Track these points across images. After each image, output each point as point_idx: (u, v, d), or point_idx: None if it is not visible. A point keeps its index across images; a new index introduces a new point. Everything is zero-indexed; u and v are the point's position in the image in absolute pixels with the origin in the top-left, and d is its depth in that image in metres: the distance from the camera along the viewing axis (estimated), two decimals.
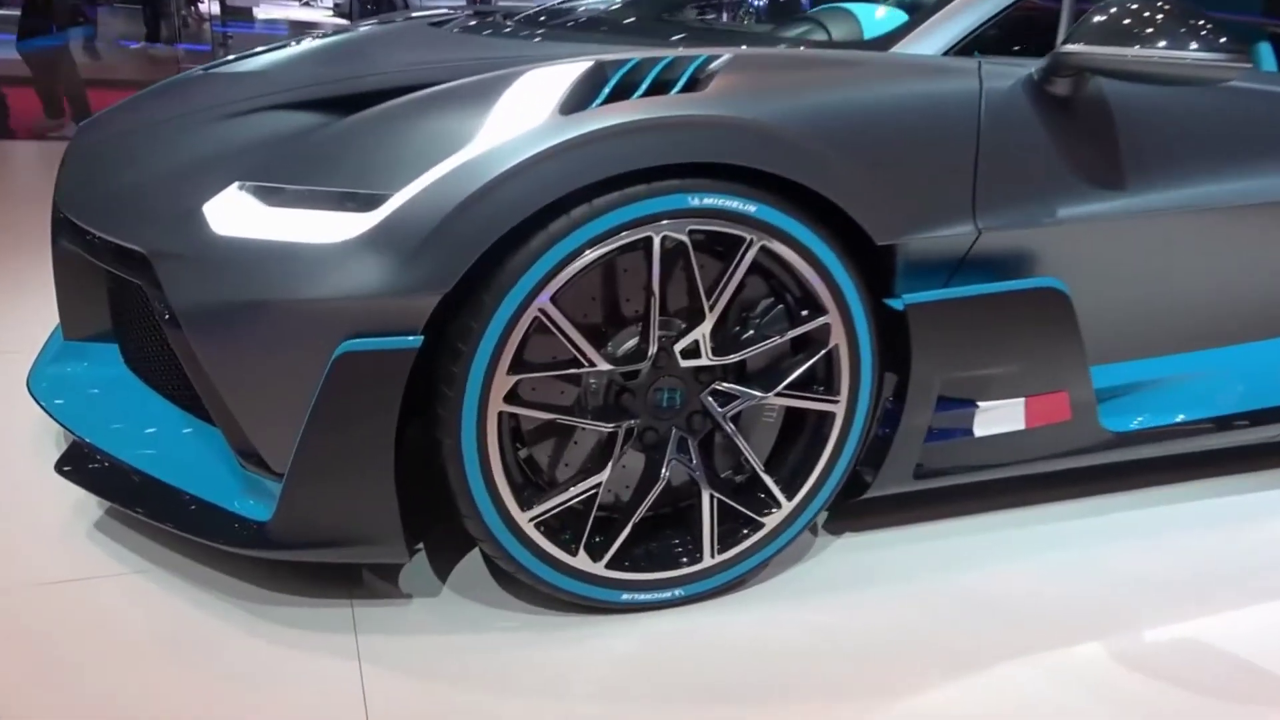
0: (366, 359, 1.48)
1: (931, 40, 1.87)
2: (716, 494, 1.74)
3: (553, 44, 2.08)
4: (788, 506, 1.80)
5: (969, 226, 1.76)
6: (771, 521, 1.80)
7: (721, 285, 1.63)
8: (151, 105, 2.17)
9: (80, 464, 1.87)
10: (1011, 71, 1.82)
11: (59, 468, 1.87)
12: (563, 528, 1.69)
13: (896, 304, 1.75)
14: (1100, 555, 2.06)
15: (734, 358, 1.69)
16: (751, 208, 1.59)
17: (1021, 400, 1.97)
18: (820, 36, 2.19)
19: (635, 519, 1.70)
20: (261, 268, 1.51)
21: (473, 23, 2.36)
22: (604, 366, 1.61)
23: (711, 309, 1.63)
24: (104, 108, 2.34)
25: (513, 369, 1.55)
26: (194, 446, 1.80)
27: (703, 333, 1.65)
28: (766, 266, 1.67)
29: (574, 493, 1.66)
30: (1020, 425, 1.99)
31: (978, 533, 2.12)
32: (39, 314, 2.81)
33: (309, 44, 2.30)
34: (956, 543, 2.07)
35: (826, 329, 1.72)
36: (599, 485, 1.66)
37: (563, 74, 1.56)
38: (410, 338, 1.48)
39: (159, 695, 1.48)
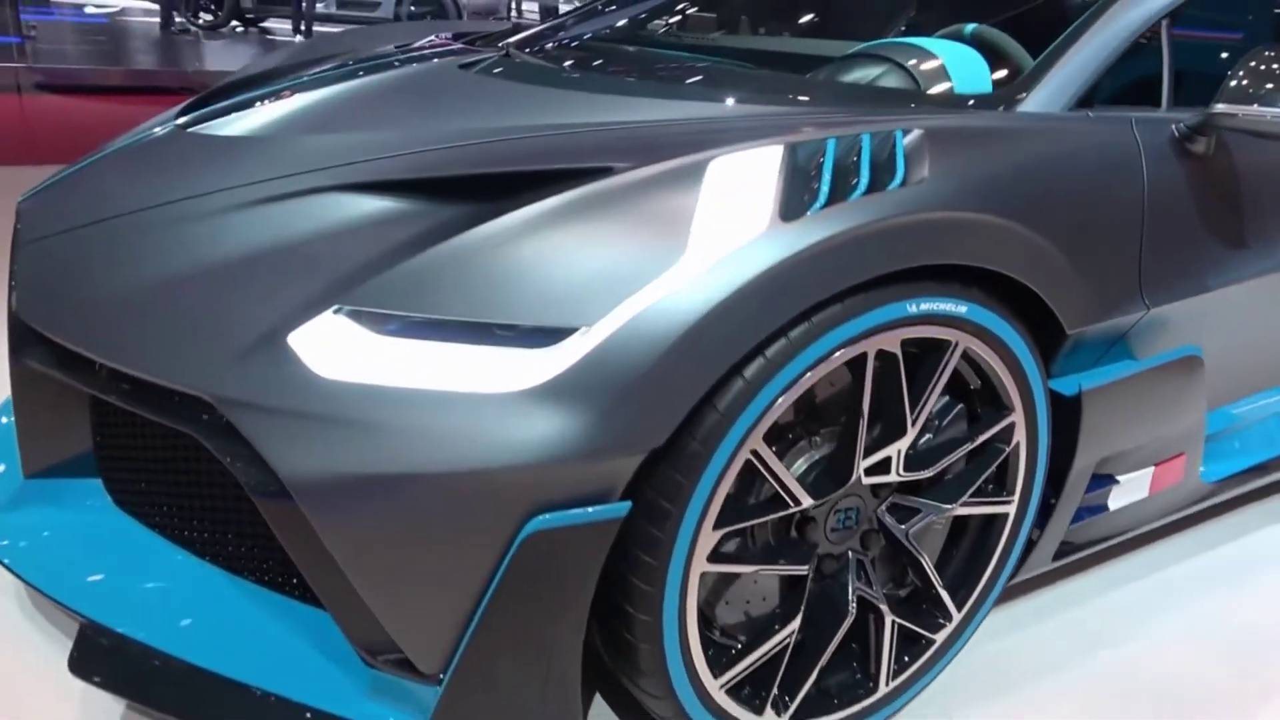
0: (560, 536, 1.18)
1: (1058, 91, 1.71)
2: (898, 619, 1.54)
3: (640, 99, 1.76)
4: (957, 618, 1.62)
5: (1139, 303, 1.62)
6: (941, 636, 1.62)
7: (925, 396, 1.42)
8: (130, 180, 1.71)
9: (103, 660, 1.45)
10: (1157, 129, 1.70)
11: (75, 668, 1.45)
12: (746, 686, 1.45)
13: (1067, 389, 1.60)
14: (1231, 606, 2.01)
15: (929, 471, 1.48)
16: (963, 308, 1.39)
17: (1151, 469, 1.88)
18: (902, 79, 2.00)
19: (821, 663, 1.48)
20: (405, 424, 1.18)
21: (499, 68, 1.99)
22: (808, 503, 1.37)
23: (914, 423, 1.42)
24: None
25: (719, 523, 1.29)
26: (268, 628, 1.43)
27: (899, 448, 1.44)
28: (957, 368, 1.48)
29: (768, 648, 1.42)
30: (1145, 493, 1.91)
31: (1105, 591, 2.02)
32: None
33: (317, 93, 1.88)
34: (1091, 611, 1.96)
35: (1011, 427, 1.55)
36: (792, 634, 1.43)
37: (759, 165, 1.29)
38: (615, 505, 1.19)
39: None
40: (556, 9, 16.93)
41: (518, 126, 1.59)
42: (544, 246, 1.25)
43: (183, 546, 1.56)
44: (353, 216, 1.43)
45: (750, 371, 1.23)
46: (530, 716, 1.28)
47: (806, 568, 1.42)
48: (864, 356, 1.33)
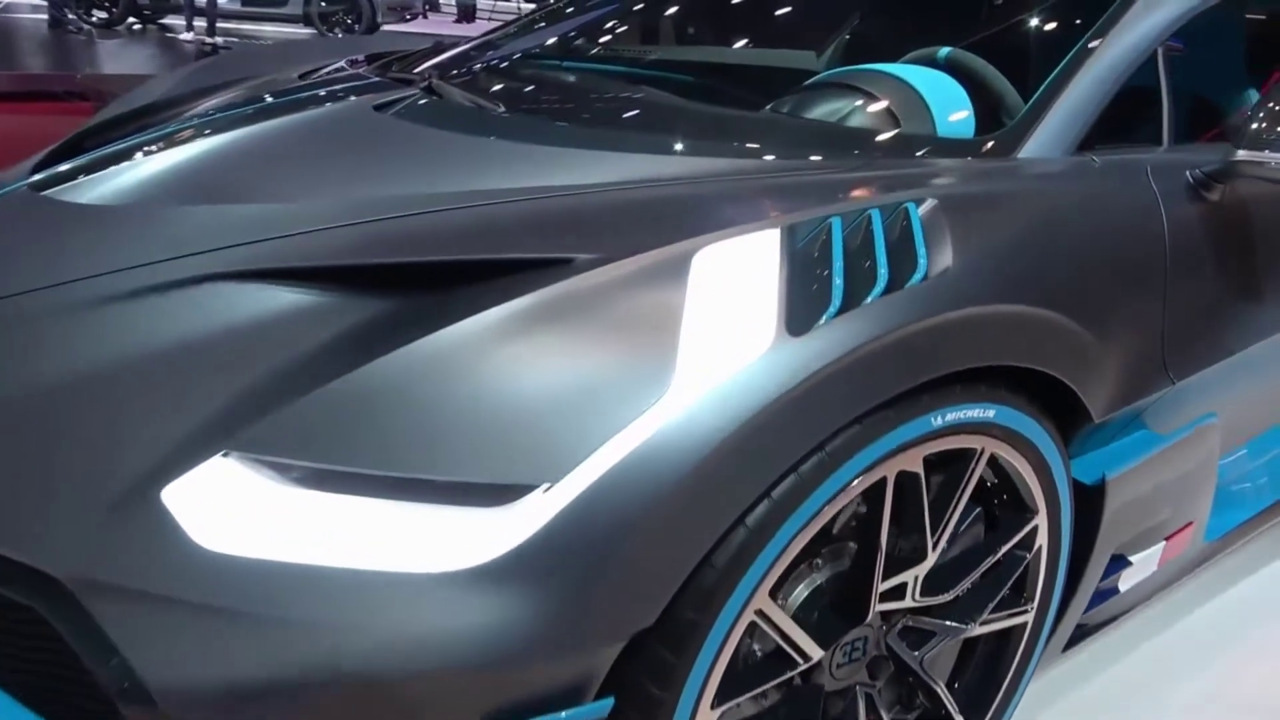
0: None
1: (1059, 133, 1.51)
2: None
3: (587, 153, 1.47)
4: None
5: (1165, 379, 1.44)
6: None
7: (948, 514, 1.21)
8: None
9: None
10: (1171, 175, 1.51)
11: None
12: None
13: (1089, 477, 1.41)
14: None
15: (949, 595, 1.27)
16: (991, 412, 1.17)
17: (1162, 544, 1.71)
18: (877, 116, 1.78)
19: None
20: (316, 616, 0.92)
21: (421, 109, 1.70)
22: (818, 656, 1.14)
23: (935, 546, 1.21)
24: None
25: (718, 699, 1.05)
26: None
27: (917, 574, 1.22)
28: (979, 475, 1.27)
29: None
30: (1155, 568, 1.74)
31: (1108, 665, 1.85)
32: None
33: (200, 145, 1.57)
34: (1099, 688, 1.79)
35: (1034, 531, 1.35)
36: None
37: (753, 257, 1.05)
38: (594, 706, 0.95)
39: None
40: (474, 6, 16.48)
41: (447, 194, 1.31)
42: (492, 373, 0.99)
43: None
44: (245, 319, 1.15)
45: (755, 518, 0.99)
46: None
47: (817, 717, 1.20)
48: (883, 481, 1.10)
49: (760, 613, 1.05)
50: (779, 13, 2.73)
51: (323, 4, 12.96)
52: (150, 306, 1.19)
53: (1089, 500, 1.43)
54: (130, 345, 1.15)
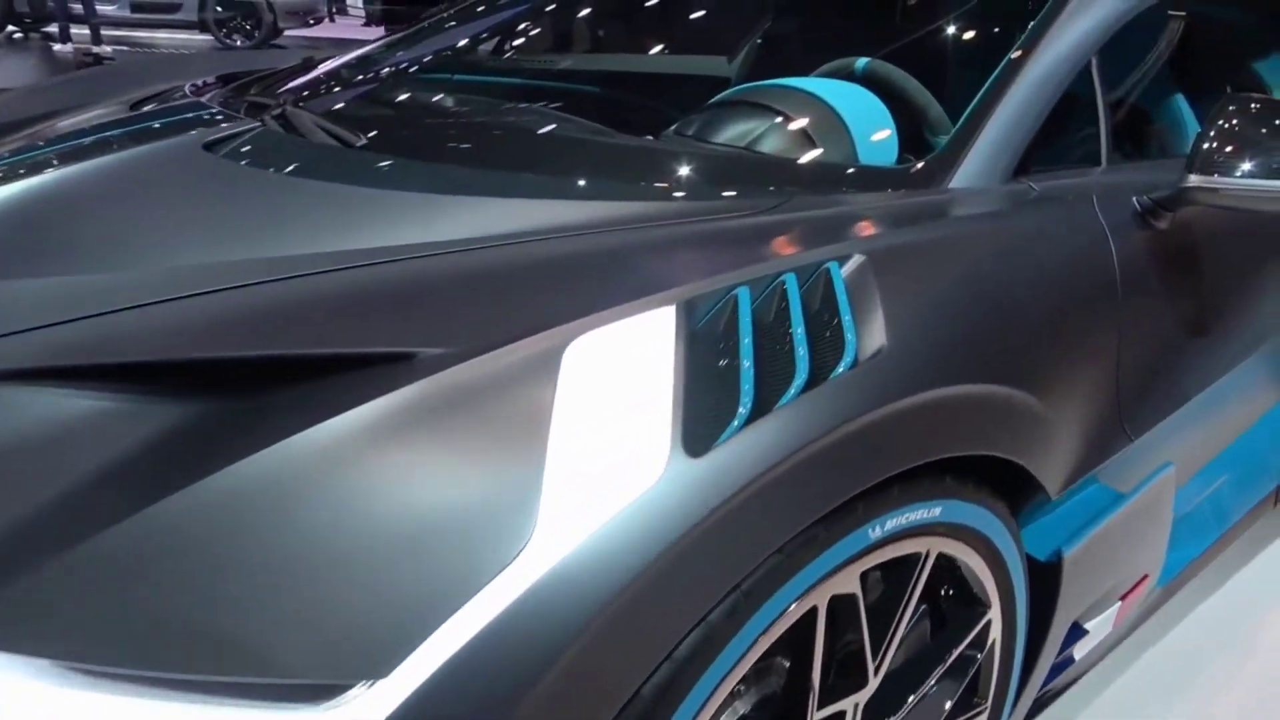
0: None
1: (992, 157, 1.34)
2: None
3: (439, 199, 1.23)
4: None
5: (1123, 438, 1.27)
6: None
7: (891, 632, 1.01)
8: None
9: None
10: (1117, 204, 1.35)
11: None
12: None
13: (1042, 553, 1.24)
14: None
15: (895, 718, 1.08)
16: (936, 510, 0.98)
17: (1117, 604, 1.55)
18: (792, 139, 1.58)
19: None
20: None
21: (255, 147, 1.43)
22: None
23: (876, 670, 1.01)
24: None
25: None
26: None
27: (858, 701, 1.02)
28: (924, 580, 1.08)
29: None
30: (1110, 629, 1.58)
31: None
32: None
33: None
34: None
35: (987, 626, 1.16)
36: None
37: (640, 349, 0.84)
38: None
39: None
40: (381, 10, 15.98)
41: (267, 260, 1.07)
42: (301, 522, 0.76)
43: None
44: (36, 429, 0.89)
45: (651, 687, 0.78)
46: None
47: None
48: (813, 611, 0.90)
49: None
50: (688, 15, 2.51)
51: (219, 9, 12.40)
52: None
53: (1043, 574, 1.26)
54: None
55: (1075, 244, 1.25)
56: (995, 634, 1.18)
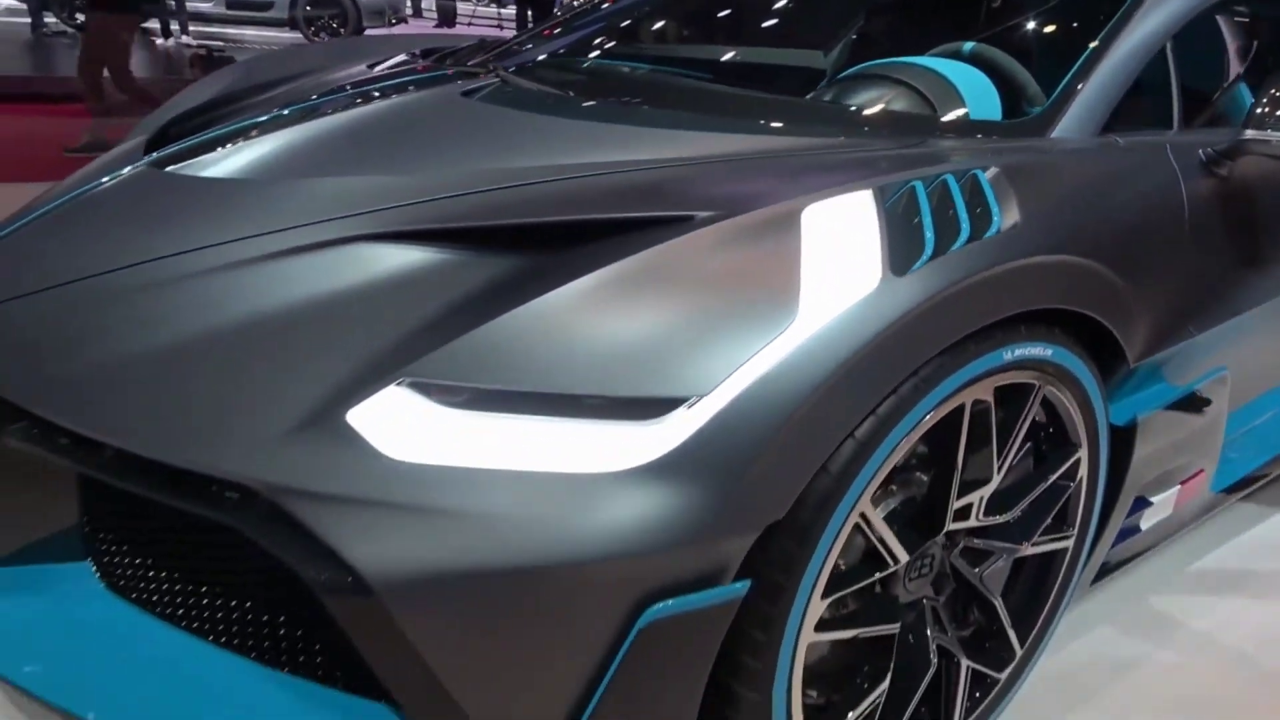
0: (678, 623, 1.09)
1: (1085, 117, 1.70)
2: (973, 663, 1.51)
3: (671, 132, 1.65)
4: (1019, 654, 1.60)
5: (1187, 330, 1.63)
6: (1005, 674, 1.60)
7: (1010, 442, 1.38)
8: (110, 230, 1.54)
9: None
10: (1187, 154, 1.70)
11: None
12: None
13: (1120, 419, 1.59)
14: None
15: (1008, 516, 1.45)
16: (1048, 351, 1.35)
17: (1177, 488, 1.89)
18: (914, 103, 1.96)
19: (909, 714, 1.43)
20: (496, 511, 1.07)
21: (508, 97, 1.86)
22: (904, 559, 1.31)
23: (999, 469, 1.38)
24: None
25: (827, 591, 1.22)
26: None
27: (983, 495, 1.40)
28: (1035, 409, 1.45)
29: (862, 709, 1.36)
30: (1170, 511, 1.93)
31: (1123, 604, 2.04)
32: None
33: (306, 128, 1.72)
34: (1120, 628, 1.97)
35: (1077, 464, 1.53)
36: (883, 693, 1.37)
37: (853, 213, 1.23)
38: (733, 586, 1.11)
39: None
40: (454, 9, 16.60)
41: (559, 166, 1.48)
42: (637, 308, 1.16)
43: (192, 633, 1.41)
44: (396, 271, 1.31)
45: (862, 432, 1.16)
46: None
47: (897, 624, 1.37)
48: (961, 407, 1.28)
49: (863, 516, 1.22)
50: (787, 14, 2.91)
51: (308, 8, 13.02)
52: (302, 265, 1.35)
53: (1119, 441, 1.61)
54: (291, 298, 1.30)
55: (1153, 179, 1.61)
56: (1083, 473, 1.54)
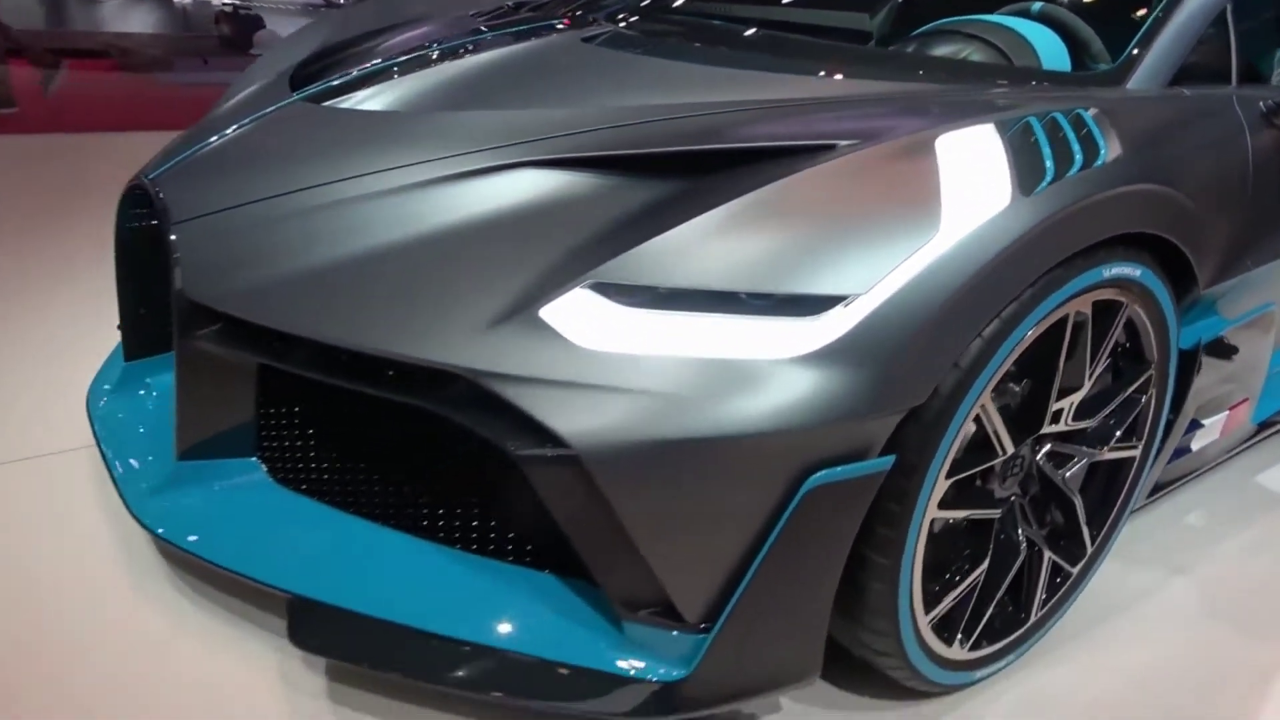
0: (836, 490, 1.27)
1: (1156, 70, 1.87)
2: (1053, 555, 1.70)
3: (789, 77, 1.82)
4: (1090, 551, 1.79)
5: (1246, 264, 1.81)
6: (1076, 569, 1.79)
7: (1100, 354, 1.57)
8: (285, 155, 1.70)
9: (326, 630, 1.48)
10: (1248, 105, 1.88)
11: (295, 639, 1.47)
12: (941, 621, 1.58)
13: (1186, 343, 1.78)
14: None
15: (1092, 422, 1.63)
16: (1137, 272, 1.53)
17: (1225, 413, 2.08)
18: (991, 55, 2.13)
19: (998, 597, 1.62)
20: (684, 391, 1.25)
21: (627, 43, 2.03)
22: (1010, 451, 1.50)
23: (1089, 378, 1.57)
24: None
25: (950, 472, 1.40)
26: (494, 592, 1.48)
27: (1073, 401, 1.58)
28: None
29: (964, 587, 1.55)
30: (1217, 436, 2.11)
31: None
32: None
33: (447, 68, 1.89)
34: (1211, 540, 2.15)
35: (1149, 380, 1.71)
36: (982, 573, 1.57)
37: (980, 142, 1.40)
38: (882, 460, 1.29)
39: None
40: None
41: (691, 104, 1.64)
42: (796, 221, 1.33)
43: (366, 516, 1.60)
44: (563, 192, 1.48)
45: (989, 332, 1.34)
46: (780, 662, 1.38)
47: (998, 510, 1.55)
48: (1066, 318, 1.46)
49: (983, 407, 1.40)
50: None
51: None
52: (480, 186, 1.52)
53: (1183, 364, 1.79)
54: (476, 213, 1.48)
55: (1221, 126, 1.78)
56: (1153, 389, 1.73)
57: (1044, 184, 1.35)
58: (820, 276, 1.28)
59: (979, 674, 1.66)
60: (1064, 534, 1.76)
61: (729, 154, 1.46)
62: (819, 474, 1.25)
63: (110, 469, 1.81)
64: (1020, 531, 1.63)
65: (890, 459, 1.30)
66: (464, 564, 1.53)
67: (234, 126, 1.83)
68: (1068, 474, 1.68)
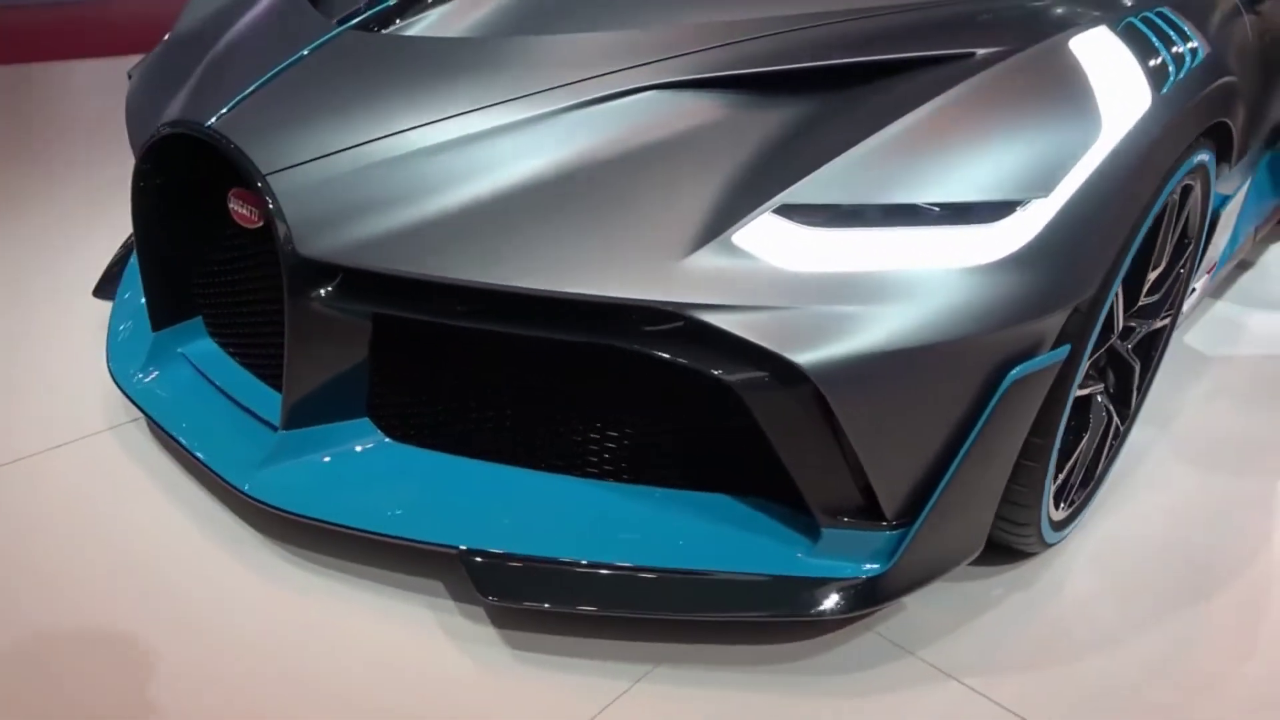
0: (1027, 383, 1.38)
1: None
2: (1116, 418, 1.89)
3: None
4: (1132, 411, 2.00)
5: (1254, 139, 2.02)
6: (1124, 428, 2.00)
7: (1173, 231, 1.73)
8: (367, 93, 1.56)
9: (511, 578, 1.47)
10: None
11: (483, 591, 1.46)
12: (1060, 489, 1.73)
13: (1219, 204, 1.98)
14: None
15: (1158, 296, 1.81)
16: (1207, 156, 1.69)
17: (1206, 277, 2.33)
18: None
19: (1087, 462, 1.80)
20: (888, 305, 1.30)
21: None
22: (1120, 327, 1.65)
23: (1166, 257, 1.73)
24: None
25: (1091, 352, 1.53)
26: (668, 519, 1.51)
27: (1151, 277, 1.74)
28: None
29: (1076, 456, 1.71)
30: (1197, 299, 2.37)
31: None
32: None
33: None
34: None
35: (1190, 255, 1.90)
36: (1088, 441, 1.73)
37: (1106, 45, 1.50)
38: (1060, 350, 1.40)
39: None
40: None
41: (798, 15, 1.62)
42: (972, 130, 1.38)
43: (499, 461, 1.58)
44: (711, 116, 1.46)
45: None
46: (958, 543, 1.49)
47: (1102, 385, 1.71)
48: (1188, 188, 1.61)
49: (1118, 294, 1.53)
50: None
51: None
52: (617, 109, 1.47)
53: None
54: (623, 142, 1.43)
55: (1232, 11, 1.95)
56: (1187, 260, 1.92)
57: (1170, 82, 1.47)
58: (1001, 183, 1.34)
59: (1068, 530, 1.84)
60: (1121, 399, 1.95)
61: (872, 67, 1.48)
62: (1016, 369, 1.35)
63: (191, 451, 1.68)
64: (1101, 399, 1.81)
65: (1067, 348, 1.41)
66: (623, 494, 1.55)
67: (284, 62, 1.66)
68: (1130, 345, 1.86)
